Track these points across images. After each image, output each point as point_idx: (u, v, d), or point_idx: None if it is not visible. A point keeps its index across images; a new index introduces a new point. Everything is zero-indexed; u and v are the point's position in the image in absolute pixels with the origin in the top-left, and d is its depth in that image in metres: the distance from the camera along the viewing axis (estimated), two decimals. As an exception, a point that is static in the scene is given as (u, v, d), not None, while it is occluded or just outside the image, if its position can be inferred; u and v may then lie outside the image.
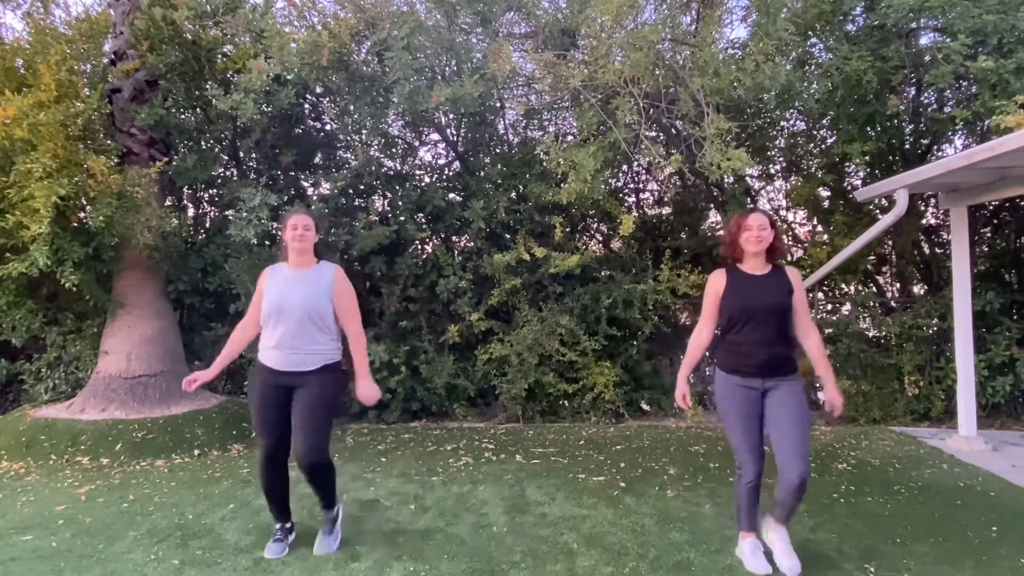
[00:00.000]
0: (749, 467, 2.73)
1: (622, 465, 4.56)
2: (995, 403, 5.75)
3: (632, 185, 7.53)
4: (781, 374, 2.73)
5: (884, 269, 7.06)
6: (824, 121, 6.45)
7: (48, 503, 3.86)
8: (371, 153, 6.43)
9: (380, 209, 6.76)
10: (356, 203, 6.57)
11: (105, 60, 5.71)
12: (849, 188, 6.51)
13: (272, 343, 2.95)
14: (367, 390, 3.10)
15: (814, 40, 6.02)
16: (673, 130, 5.85)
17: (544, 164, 5.96)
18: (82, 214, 5.15)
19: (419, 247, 6.66)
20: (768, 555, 2.84)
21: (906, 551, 3.06)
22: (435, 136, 7.09)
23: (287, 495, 3.15)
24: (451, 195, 6.71)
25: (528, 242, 6.07)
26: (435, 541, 3.24)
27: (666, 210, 7.32)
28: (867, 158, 5.71)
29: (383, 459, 4.81)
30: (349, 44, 5.22)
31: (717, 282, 2.82)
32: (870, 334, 6.31)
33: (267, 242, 6.17)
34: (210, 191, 6.85)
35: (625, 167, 6.82)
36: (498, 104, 6.49)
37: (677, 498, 3.84)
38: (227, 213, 6.40)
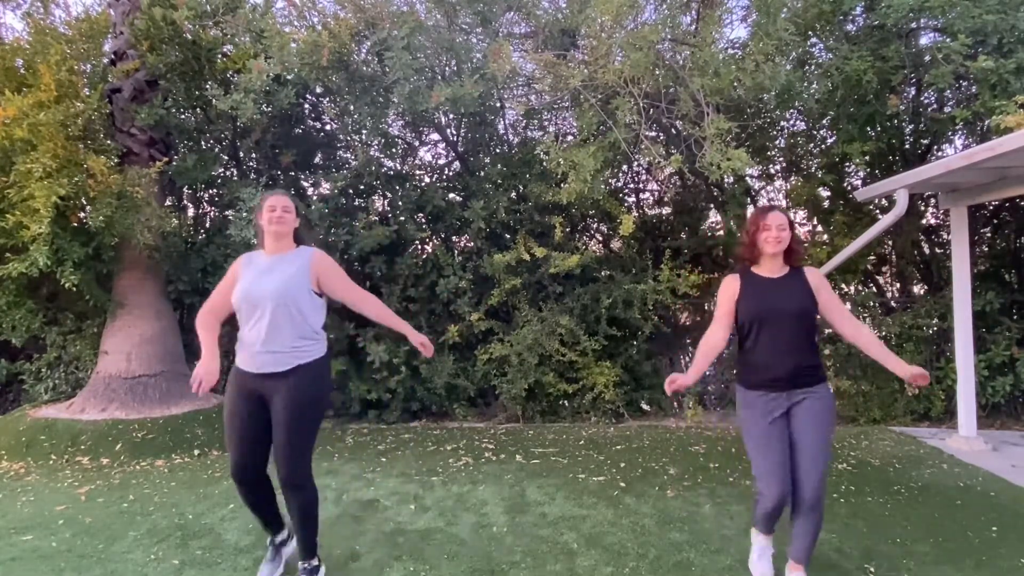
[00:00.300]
0: (769, 493, 2.49)
1: (622, 465, 4.56)
2: (995, 403, 5.75)
3: (632, 185, 7.54)
4: (807, 384, 2.52)
5: (884, 269, 7.06)
6: (824, 121, 6.45)
7: (48, 503, 3.86)
8: (371, 153, 6.43)
9: (380, 209, 6.76)
10: (356, 203, 6.58)
11: (105, 60, 5.71)
12: (849, 188, 6.52)
13: (242, 341, 2.61)
14: (415, 337, 2.79)
15: (814, 40, 6.02)
16: (673, 130, 5.85)
17: (544, 164, 5.97)
18: (82, 214, 5.16)
19: (419, 247, 6.67)
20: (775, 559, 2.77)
21: (906, 551, 3.06)
22: (435, 136, 7.09)
23: (273, 507, 2.82)
24: (451, 195, 6.71)
25: (528, 242, 6.07)
26: (435, 541, 3.24)
27: (666, 210, 7.32)
28: (867, 158, 5.71)
29: (383, 459, 4.81)
30: (349, 44, 5.22)
31: (731, 286, 2.63)
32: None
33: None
34: (210, 191, 6.85)
35: (625, 167, 6.83)
36: (498, 104, 6.49)
37: (677, 498, 3.84)
38: (227, 213, 6.41)
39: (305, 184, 6.61)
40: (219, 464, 4.68)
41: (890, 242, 6.63)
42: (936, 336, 6.04)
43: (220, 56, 5.76)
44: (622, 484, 4.12)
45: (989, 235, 6.65)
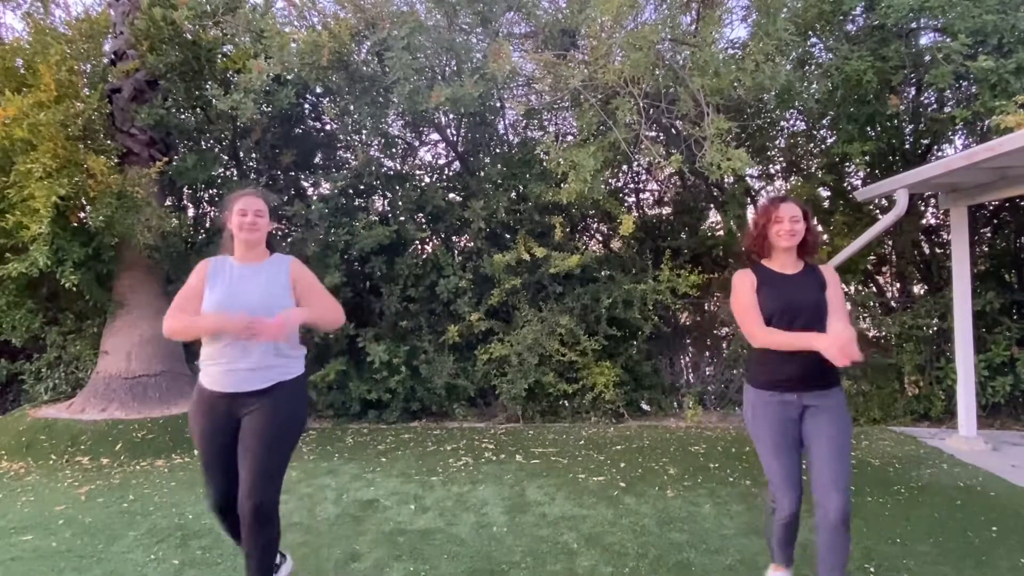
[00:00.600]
0: (785, 500, 2.31)
1: (622, 465, 4.56)
2: (995, 403, 5.75)
3: (632, 185, 7.54)
4: (822, 387, 2.32)
5: (884, 269, 7.06)
6: (824, 121, 6.45)
7: (48, 503, 3.87)
8: (371, 153, 6.44)
9: (380, 209, 6.77)
10: (356, 203, 6.58)
11: (105, 60, 5.72)
12: (849, 188, 6.51)
13: (214, 358, 2.31)
14: (279, 318, 2.25)
15: (814, 40, 6.02)
16: (673, 130, 5.85)
17: (544, 164, 5.97)
18: (82, 214, 5.16)
19: (419, 247, 6.67)
20: None
21: (906, 551, 3.06)
22: (435, 136, 7.09)
23: None
24: (451, 195, 6.71)
25: (528, 242, 6.07)
26: (435, 541, 3.24)
27: (666, 210, 7.33)
28: (867, 158, 5.71)
29: (383, 459, 4.81)
30: (349, 44, 5.22)
31: (748, 277, 2.38)
32: (870, 334, 6.32)
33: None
34: (210, 191, 6.85)
35: (625, 167, 6.83)
36: (498, 104, 6.49)
37: (677, 498, 3.84)
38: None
39: (305, 184, 6.62)
40: (219, 464, 4.67)
41: (890, 242, 6.63)
42: (936, 336, 6.04)
43: (220, 56, 5.76)
44: (622, 484, 4.12)
45: (989, 235, 6.65)
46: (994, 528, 3.33)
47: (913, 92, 6.13)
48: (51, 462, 4.70)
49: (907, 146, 6.30)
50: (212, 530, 3.38)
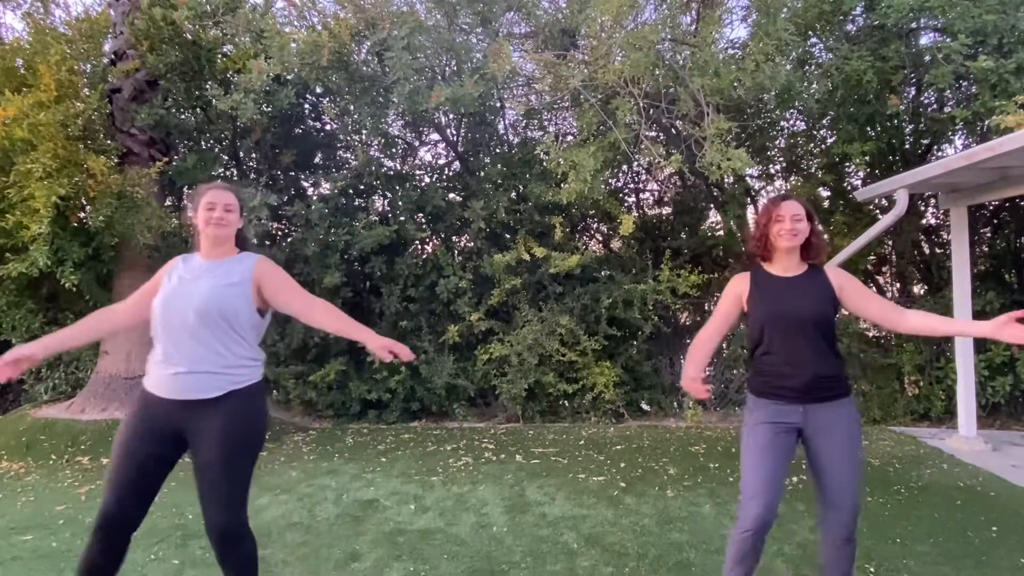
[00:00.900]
0: (749, 510, 2.09)
1: (622, 465, 4.56)
2: (995, 403, 5.75)
3: (632, 185, 7.54)
4: (827, 398, 2.17)
5: (884, 269, 7.07)
6: (824, 121, 6.46)
7: (48, 503, 3.86)
8: (371, 153, 6.44)
9: (380, 209, 6.77)
10: (356, 203, 6.58)
11: (105, 60, 5.72)
12: (849, 188, 6.52)
13: (156, 359, 2.09)
14: (377, 341, 2.19)
15: (814, 40, 6.03)
16: (673, 130, 5.86)
17: (544, 164, 5.97)
18: (82, 214, 5.16)
19: (419, 247, 6.67)
20: None
21: (906, 551, 3.06)
22: (435, 136, 7.10)
23: None
24: (451, 195, 6.72)
25: (528, 242, 6.08)
26: (435, 541, 3.24)
27: (666, 210, 7.33)
28: (867, 158, 5.72)
29: (383, 459, 4.81)
30: (349, 44, 5.22)
31: (738, 285, 2.31)
32: (870, 334, 6.32)
33: (267, 242, 6.17)
34: (210, 191, 6.84)
35: (625, 167, 6.83)
36: (498, 104, 6.49)
37: (677, 498, 3.84)
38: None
39: (305, 184, 6.62)
40: (219, 464, 4.68)
41: (890, 242, 6.63)
42: (936, 336, 6.04)
43: (220, 56, 5.76)
44: (622, 484, 4.12)
45: (989, 235, 6.66)
46: (994, 528, 3.33)
47: (913, 92, 6.13)
48: (51, 462, 4.69)
49: (907, 146, 6.31)
50: (212, 530, 3.38)
